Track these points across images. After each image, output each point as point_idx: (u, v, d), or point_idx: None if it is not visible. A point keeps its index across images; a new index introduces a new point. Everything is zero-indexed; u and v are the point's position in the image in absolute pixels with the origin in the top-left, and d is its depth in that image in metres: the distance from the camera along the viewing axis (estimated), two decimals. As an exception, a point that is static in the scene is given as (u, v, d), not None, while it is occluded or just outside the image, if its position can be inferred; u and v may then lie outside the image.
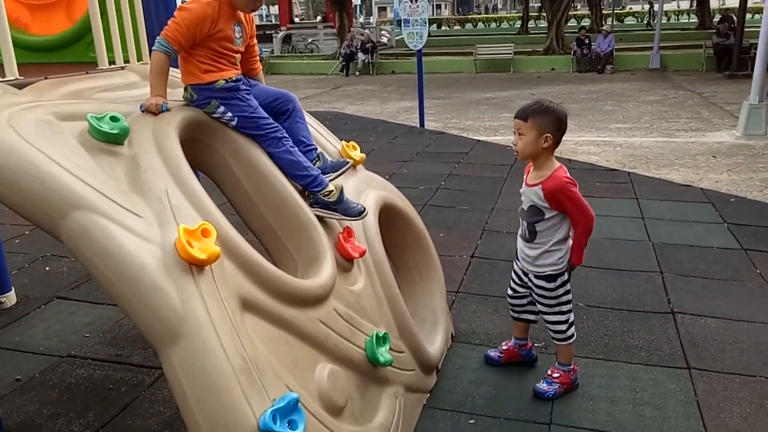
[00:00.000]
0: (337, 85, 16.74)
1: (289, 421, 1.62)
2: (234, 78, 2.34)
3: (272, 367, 1.72)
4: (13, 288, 3.79)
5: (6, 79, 2.17)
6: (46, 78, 2.32)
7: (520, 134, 2.54)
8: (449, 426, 2.54)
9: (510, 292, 2.87)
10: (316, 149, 2.54)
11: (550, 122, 2.50)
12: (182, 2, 2.33)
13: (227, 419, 1.54)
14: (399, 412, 2.34)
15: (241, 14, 2.34)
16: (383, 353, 2.23)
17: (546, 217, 2.58)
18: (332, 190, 2.39)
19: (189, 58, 2.30)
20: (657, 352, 3.04)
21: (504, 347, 2.99)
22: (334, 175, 2.53)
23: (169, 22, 2.20)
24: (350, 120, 10.53)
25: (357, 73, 18.89)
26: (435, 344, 2.87)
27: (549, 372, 2.77)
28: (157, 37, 2.20)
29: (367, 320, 2.31)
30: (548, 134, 2.49)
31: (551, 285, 2.64)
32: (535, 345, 3.02)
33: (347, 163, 2.64)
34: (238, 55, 2.38)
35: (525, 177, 2.68)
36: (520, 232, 2.73)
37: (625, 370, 2.91)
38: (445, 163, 7.08)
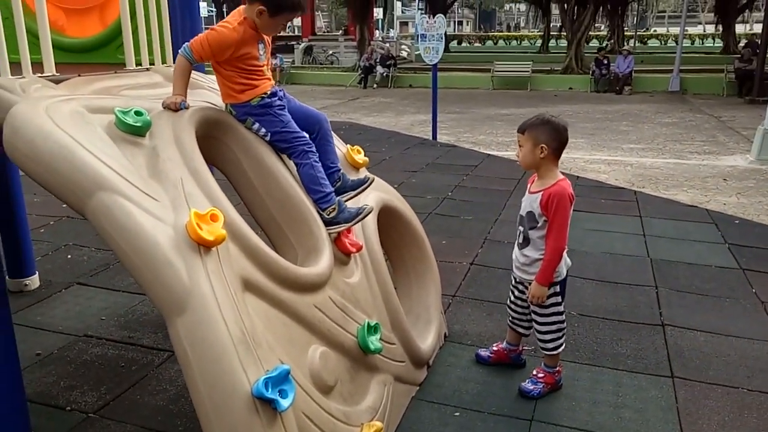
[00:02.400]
0: (354, 96, 17.02)
1: (280, 390, 1.78)
2: (269, 93, 2.51)
3: (268, 342, 1.90)
4: (37, 272, 4.03)
5: (45, 74, 2.39)
6: (79, 75, 2.54)
7: (520, 145, 2.71)
8: (435, 417, 2.68)
9: (509, 302, 2.99)
10: (339, 170, 2.70)
11: (545, 133, 2.63)
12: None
13: (224, 383, 1.72)
14: (387, 398, 2.49)
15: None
16: (373, 341, 2.39)
17: (539, 225, 2.70)
18: (334, 208, 2.53)
19: (224, 81, 2.50)
20: (643, 361, 3.16)
21: (494, 348, 3.12)
22: (353, 193, 2.69)
23: (199, 35, 2.40)
24: (364, 131, 10.75)
25: (375, 85, 19.15)
26: (427, 341, 3.03)
27: (534, 372, 2.90)
28: (185, 44, 2.41)
29: (360, 311, 2.48)
30: (543, 145, 2.62)
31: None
32: (525, 348, 3.15)
33: (367, 180, 2.76)
34: (266, 67, 2.56)
35: (528, 186, 2.81)
36: (516, 240, 2.85)
37: (609, 375, 3.03)
38: (454, 175, 7.24)
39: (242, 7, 2.42)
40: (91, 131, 1.99)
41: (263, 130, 2.53)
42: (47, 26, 2.38)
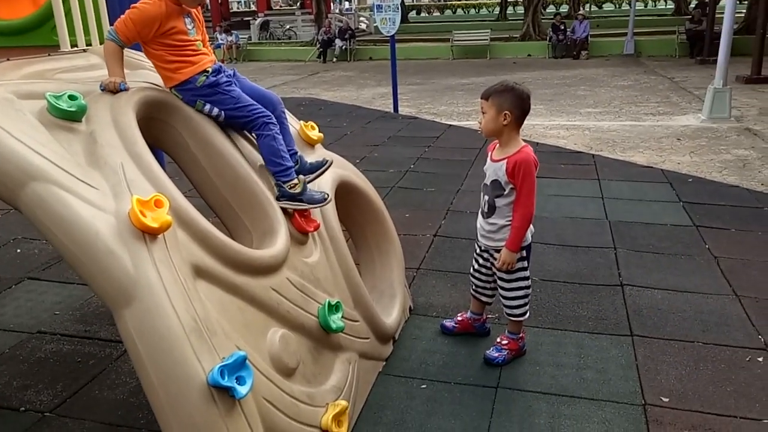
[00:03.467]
0: (314, 71, 16.75)
1: (238, 377, 1.74)
2: (211, 70, 2.42)
3: (223, 329, 1.85)
4: (-16, 269, 3.87)
5: (-33, 60, 2.25)
6: (8, 59, 2.39)
7: (483, 112, 2.67)
8: (402, 391, 2.69)
9: (473, 271, 2.98)
10: (296, 153, 2.64)
11: (509, 100, 2.60)
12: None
13: (178, 374, 1.66)
14: (353, 376, 2.48)
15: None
16: (335, 320, 2.36)
17: (505, 192, 2.68)
18: (297, 183, 2.48)
19: (157, 64, 2.41)
20: (603, 322, 3.22)
21: (459, 318, 3.13)
22: (311, 176, 2.62)
23: (123, 16, 2.30)
24: (325, 106, 10.60)
25: (334, 59, 18.91)
26: (391, 315, 3.01)
27: (498, 339, 2.92)
28: (109, 28, 2.31)
29: (321, 290, 2.44)
30: (506, 111, 2.60)
31: None
32: (489, 317, 3.17)
33: (325, 163, 2.71)
34: (199, 42, 2.46)
35: (490, 154, 2.79)
36: (480, 208, 2.84)
37: (572, 338, 3.08)
38: (416, 147, 7.20)
39: None
40: (21, 118, 1.88)
41: (215, 110, 2.45)
42: (-33, 8, 2.23)
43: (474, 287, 3.01)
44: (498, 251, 2.76)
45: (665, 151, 6.85)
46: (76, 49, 2.78)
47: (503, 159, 2.67)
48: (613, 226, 4.54)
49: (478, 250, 2.93)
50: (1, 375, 2.86)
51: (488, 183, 2.75)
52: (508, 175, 2.64)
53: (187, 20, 2.39)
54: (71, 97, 2.04)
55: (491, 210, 2.75)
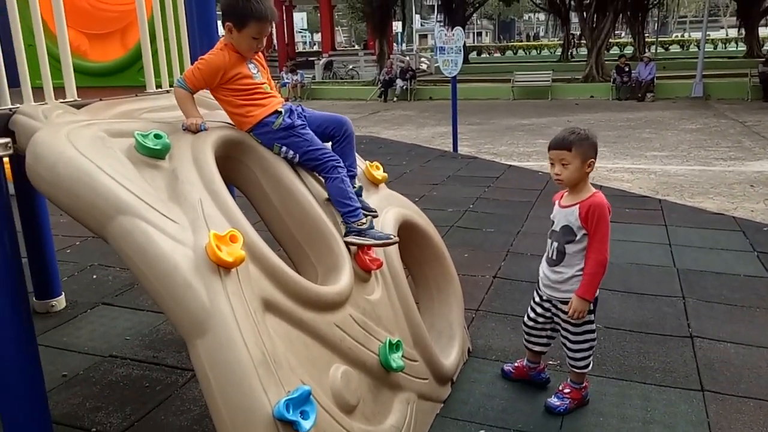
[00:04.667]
0: (375, 110, 17.11)
1: (302, 411, 1.77)
2: (283, 111, 2.54)
3: (289, 363, 1.89)
4: (63, 293, 4.09)
5: (66, 100, 2.45)
6: (100, 99, 2.59)
7: (563, 164, 2.58)
8: (460, 434, 2.65)
9: (528, 321, 2.89)
10: (356, 176, 2.74)
11: (592, 148, 2.58)
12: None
13: (245, 405, 1.71)
14: (411, 417, 2.46)
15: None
16: (396, 359, 2.37)
17: (577, 238, 2.62)
18: (364, 221, 2.55)
19: (230, 110, 2.56)
20: (672, 374, 3.08)
21: (516, 364, 3.06)
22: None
23: (192, 66, 2.50)
24: (385, 144, 10.78)
25: (395, 99, 19.26)
26: (450, 357, 2.99)
27: (560, 387, 2.84)
28: (178, 77, 2.50)
29: (382, 328, 2.46)
30: (592, 159, 2.58)
31: None
32: (549, 363, 3.09)
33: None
34: (266, 85, 2.59)
35: (558, 201, 2.74)
36: (546, 256, 2.77)
37: (637, 389, 2.96)
38: (476, 186, 7.20)
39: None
40: (112, 155, 2.02)
41: (291, 152, 2.57)
42: (68, 51, 2.44)
43: (526, 338, 2.93)
44: (563, 302, 2.69)
45: (737, 197, 6.58)
46: (160, 89, 2.97)
47: (575, 204, 2.62)
48: (682, 274, 4.37)
49: (537, 299, 2.85)
50: (75, 396, 3.00)
51: (557, 229, 2.69)
52: (582, 219, 2.58)
53: (251, 66, 2.54)
54: (157, 136, 2.18)
55: (560, 257, 2.67)
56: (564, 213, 2.66)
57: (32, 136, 2.00)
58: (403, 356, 2.44)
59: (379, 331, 2.43)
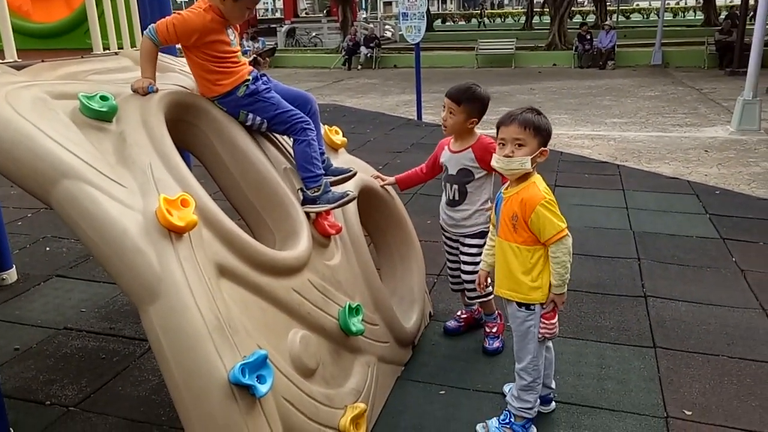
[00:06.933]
0: (338, 78, 16.87)
1: (258, 375, 1.76)
2: (251, 78, 2.46)
3: (245, 328, 1.87)
4: (14, 266, 3.96)
5: (5, 61, 2.32)
6: (43, 61, 2.46)
7: (450, 112, 2.79)
8: (421, 396, 2.68)
9: (449, 268, 3.11)
10: (324, 154, 2.68)
11: (478, 109, 2.79)
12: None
13: (200, 371, 1.69)
14: (372, 379, 2.48)
15: None
16: (355, 323, 2.37)
17: (476, 177, 2.84)
18: (320, 188, 2.50)
19: (199, 72, 2.44)
20: (626, 332, 3.18)
21: (463, 315, 3.19)
22: (332, 178, 2.65)
23: (167, 18, 2.35)
24: (349, 112, 10.66)
25: (359, 66, 19.01)
26: (411, 320, 3.01)
27: (486, 330, 3.02)
28: (150, 25, 2.35)
29: (341, 293, 2.45)
30: (475, 119, 2.81)
31: (482, 241, 2.77)
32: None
33: (349, 170, 2.74)
34: (239, 53, 2.50)
35: (446, 147, 2.92)
36: (447, 199, 2.94)
37: (593, 348, 3.05)
38: (439, 154, 7.19)
39: None
40: (54, 118, 1.93)
41: (258, 119, 2.50)
42: (6, 11, 2.30)
43: (453, 280, 3.12)
44: (469, 236, 2.90)
45: (692, 162, 6.75)
46: (108, 51, 2.84)
47: (467, 148, 2.83)
48: (638, 236, 4.48)
49: (448, 242, 3.04)
50: (28, 369, 2.92)
51: (454, 173, 2.88)
52: (479, 161, 2.81)
53: (229, 31, 2.43)
54: (103, 98, 2.09)
55: (462, 197, 2.89)
56: (457, 158, 2.87)
57: (-33, 97, 1.89)
58: (363, 320, 2.44)
59: (339, 296, 2.42)
